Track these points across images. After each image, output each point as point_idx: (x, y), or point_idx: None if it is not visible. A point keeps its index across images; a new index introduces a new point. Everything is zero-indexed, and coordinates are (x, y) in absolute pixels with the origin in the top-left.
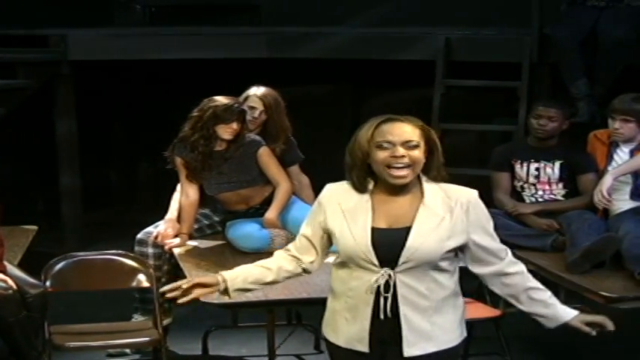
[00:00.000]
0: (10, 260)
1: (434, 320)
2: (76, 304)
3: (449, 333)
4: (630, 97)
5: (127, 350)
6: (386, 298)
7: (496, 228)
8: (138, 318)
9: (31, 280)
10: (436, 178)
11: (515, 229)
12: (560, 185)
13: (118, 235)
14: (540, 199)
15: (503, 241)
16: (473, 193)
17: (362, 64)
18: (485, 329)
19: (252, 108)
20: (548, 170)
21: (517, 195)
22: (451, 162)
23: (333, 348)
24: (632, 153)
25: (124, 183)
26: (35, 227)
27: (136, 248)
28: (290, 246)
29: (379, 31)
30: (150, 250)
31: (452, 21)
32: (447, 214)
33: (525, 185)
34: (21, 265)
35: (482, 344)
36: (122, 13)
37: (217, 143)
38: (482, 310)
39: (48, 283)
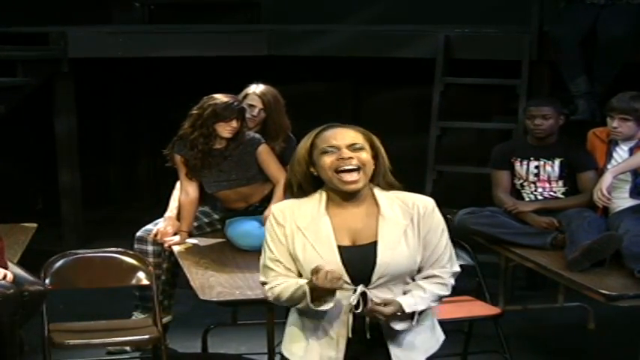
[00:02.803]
0: (9, 258)
1: (417, 329)
2: (75, 302)
3: (429, 340)
4: (628, 96)
5: (127, 348)
6: (364, 317)
7: (495, 226)
8: (138, 316)
9: (31, 277)
10: (384, 186)
11: (514, 228)
12: (560, 183)
13: (117, 233)
14: (540, 197)
15: (503, 240)
16: (430, 202)
17: (362, 61)
18: (485, 327)
19: (251, 106)
20: (548, 168)
21: (517, 193)
22: (450, 160)
23: None
24: (631, 151)
25: (123, 181)
26: (35, 225)
27: (136, 246)
28: (274, 275)
29: (379, 29)
30: (149, 248)
31: (451, 19)
32: (408, 222)
33: (525, 183)
34: (20, 263)
35: (482, 342)
36: (122, 10)
37: (217, 141)
38: (481, 309)
39: (47, 281)
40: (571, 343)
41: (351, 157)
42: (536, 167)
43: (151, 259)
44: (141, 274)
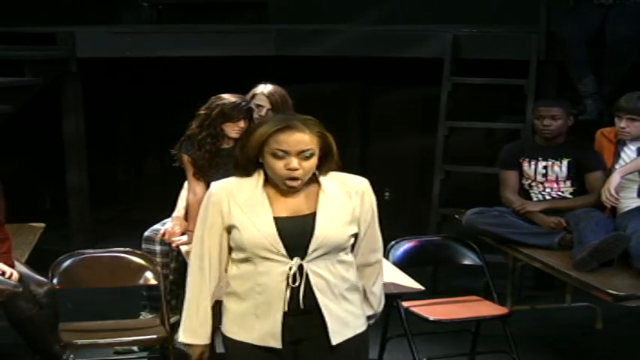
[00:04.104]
0: (17, 258)
1: (344, 307)
2: (83, 302)
3: (359, 318)
4: (636, 96)
5: (135, 347)
6: (299, 289)
7: (503, 226)
8: (145, 315)
9: (39, 277)
10: (324, 174)
11: (522, 228)
12: (568, 183)
13: (125, 233)
14: (548, 197)
15: (510, 240)
16: (366, 182)
17: (369, 61)
18: (493, 327)
19: (259, 106)
20: (556, 168)
21: (525, 193)
22: (458, 160)
23: (239, 347)
24: (639, 151)
25: (131, 180)
26: (42, 225)
27: (144, 246)
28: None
29: (387, 29)
30: (157, 248)
31: (459, 19)
32: (346, 199)
33: (533, 183)
34: (28, 263)
35: (490, 342)
36: (130, 10)
37: (224, 141)
38: (489, 308)
39: (55, 281)
40: (579, 343)
41: (297, 169)
42: (544, 167)
43: (158, 259)
44: (148, 274)
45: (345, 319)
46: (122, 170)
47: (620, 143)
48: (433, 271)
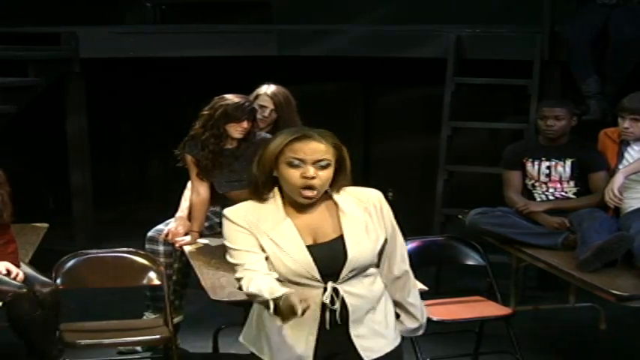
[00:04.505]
0: (21, 258)
1: (378, 319)
2: (86, 302)
3: (390, 330)
4: None
5: (138, 348)
6: (334, 311)
7: (506, 226)
8: (149, 316)
9: (42, 278)
10: (336, 191)
11: (526, 228)
12: (572, 183)
13: (128, 233)
14: (551, 198)
15: (514, 240)
16: (379, 194)
17: (372, 61)
18: (496, 327)
19: (262, 107)
20: (560, 168)
21: (528, 193)
22: (462, 160)
23: None
24: None
25: (134, 180)
26: (46, 225)
27: (147, 246)
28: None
29: (390, 29)
30: (161, 248)
31: (463, 19)
32: (366, 216)
33: (536, 183)
34: (32, 263)
35: (493, 342)
36: (133, 11)
37: (228, 141)
38: (493, 309)
39: (59, 281)
40: (582, 343)
41: (313, 177)
42: (548, 167)
43: (162, 259)
44: (152, 274)
45: (378, 331)
46: (125, 170)
47: (623, 143)
48: (436, 271)
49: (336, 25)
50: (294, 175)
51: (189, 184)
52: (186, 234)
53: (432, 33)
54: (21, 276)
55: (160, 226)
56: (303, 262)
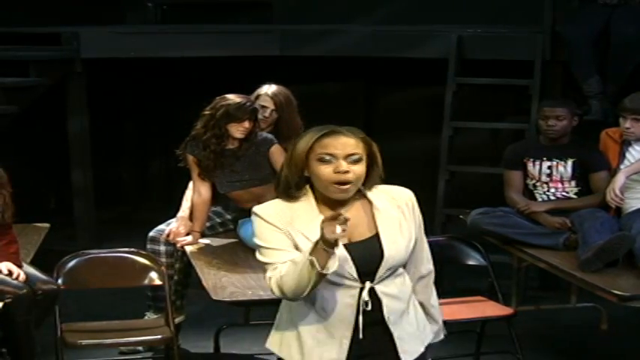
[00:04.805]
0: (22, 258)
1: (411, 321)
2: (88, 302)
3: (425, 328)
4: None
5: (140, 348)
6: (370, 313)
7: (508, 226)
8: (150, 316)
9: (44, 277)
10: (369, 189)
11: (527, 228)
12: (573, 183)
13: (130, 233)
14: (553, 198)
15: (515, 240)
16: (411, 193)
17: (374, 62)
18: (498, 327)
19: (264, 107)
20: (561, 168)
21: (529, 193)
22: (463, 160)
23: None
24: None
25: (136, 181)
26: (47, 225)
27: (148, 246)
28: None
29: (391, 29)
30: (162, 248)
31: (464, 19)
32: (399, 214)
33: (538, 183)
34: (33, 263)
35: (495, 342)
36: (134, 11)
37: (229, 141)
38: (494, 309)
39: (60, 281)
40: (584, 343)
41: (347, 172)
42: (549, 167)
43: (163, 259)
44: (153, 274)
45: (412, 332)
46: (127, 170)
47: (625, 143)
48: (438, 271)
49: (338, 25)
50: (326, 170)
51: (190, 184)
52: (187, 234)
53: (434, 33)
54: (22, 276)
55: (161, 226)
56: (341, 260)
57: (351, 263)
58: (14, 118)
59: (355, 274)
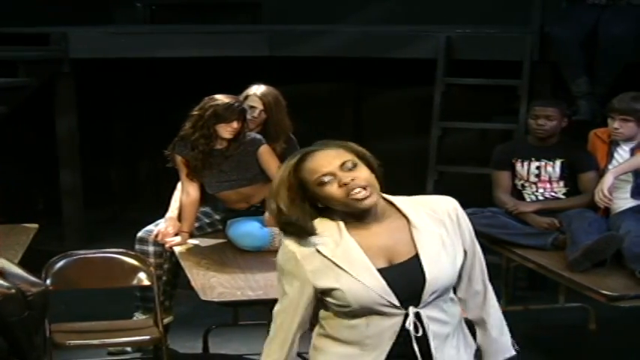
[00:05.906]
0: (10, 259)
1: (454, 344)
2: (76, 303)
3: (467, 351)
4: (629, 97)
5: (128, 348)
6: (417, 339)
7: (496, 227)
8: (139, 316)
9: (32, 278)
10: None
11: (515, 228)
12: (561, 184)
13: (118, 234)
14: (541, 198)
15: (504, 241)
16: (454, 202)
17: (363, 62)
18: None
19: (252, 107)
20: (549, 169)
21: (518, 194)
22: (451, 161)
23: None
24: (632, 152)
25: (124, 181)
26: (36, 225)
27: (137, 246)
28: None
29: (380, 30)
30: (150, 249)
31: (453, 19)
32: (441, 230)
33: (526, 184)
34: (22, 264)
35: None
36: (123, 11)
37: (218, 142)
38: None
39: (49, 282)
40: (572, 343)
41: (352, 179)
42: (537, 168)
43: (152, 260)
44: (142, 275)
45: (452, 355)
46: (116, 171)
47: (613, 144)
48: None
49: (327, 25)
50: (332, 189)
51: (179, 185)
52: (176, 234)
53: (422, 33)
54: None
55: (149, 227)
56: (376, 287)
57: (388, 290)
58: (2, 118)
59: (396, 302)
